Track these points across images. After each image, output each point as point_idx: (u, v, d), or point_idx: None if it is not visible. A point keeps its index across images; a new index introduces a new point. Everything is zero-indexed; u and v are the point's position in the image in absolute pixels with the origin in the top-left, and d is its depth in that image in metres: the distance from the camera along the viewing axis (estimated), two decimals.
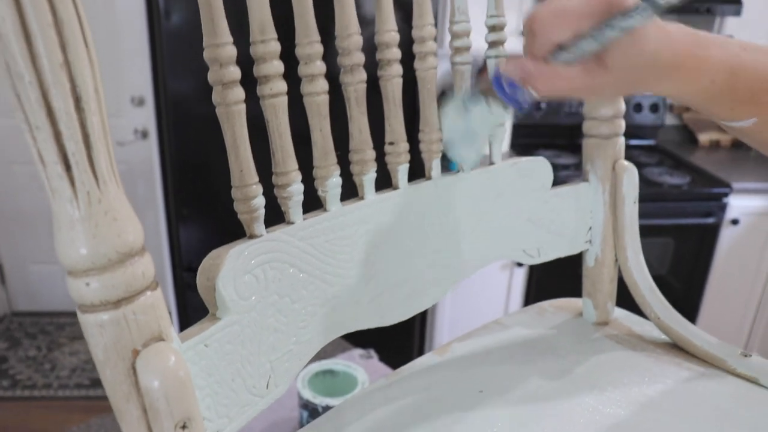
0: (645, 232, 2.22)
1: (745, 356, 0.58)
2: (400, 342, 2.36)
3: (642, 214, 2.25)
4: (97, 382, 2.84)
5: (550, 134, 2.89)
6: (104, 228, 0.29)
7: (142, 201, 3.23)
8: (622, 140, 0.64)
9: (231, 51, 0.39)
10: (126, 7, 2.72)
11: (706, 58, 0.47)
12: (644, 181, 2.57)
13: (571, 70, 0.46)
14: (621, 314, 0.69)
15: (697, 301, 2.79)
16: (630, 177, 0.63)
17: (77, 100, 0.27)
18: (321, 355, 1.45)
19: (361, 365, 1.26)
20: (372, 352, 1.49)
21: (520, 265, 2.45)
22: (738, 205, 2.60)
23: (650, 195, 2.52)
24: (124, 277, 0.30)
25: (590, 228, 0.65)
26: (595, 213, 0.65)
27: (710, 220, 2.62)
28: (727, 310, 2.86)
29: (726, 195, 2.57)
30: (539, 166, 0.61)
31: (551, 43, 0.46)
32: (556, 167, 2.16)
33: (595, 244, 0.65)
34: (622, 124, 0.63)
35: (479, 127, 0.52)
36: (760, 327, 2.90)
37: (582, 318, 0.68)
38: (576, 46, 0.44)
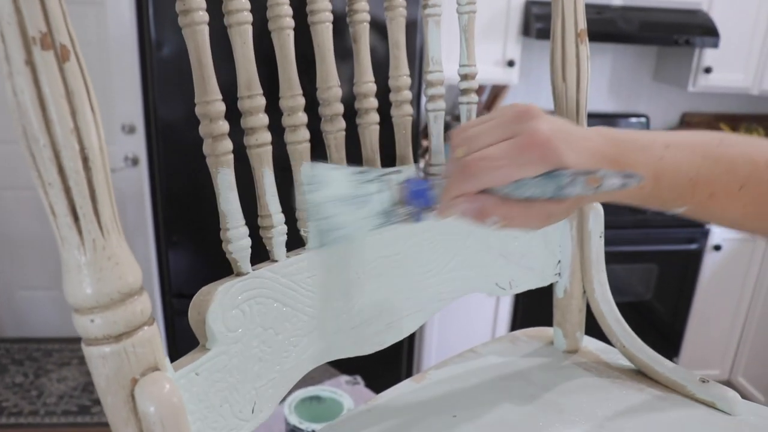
0: (630, 258, 2.26)
1: (704, 382, 0.62)
2: (388, 369, 2.39)
3: (626, 241, 2.29)
4: (84, 409, 2.84)
5: None
6: (107, 271, 0.33)
7: (132, 227, 3.25)
8: None
9: (220, 107, 0.43)
10: (118, 36, 2.76)
11: (631, 166, 0.49)
12: (628, 209, 2.62)
13: (529, 204, 0.47)
14: (589, 342, 0.73)
15: (682, 325, 2.84)
16: (596, 214, 0.67)
17: (85, 160, 0.31)
18: (308, 381, 1.47)
19: (347, 391, 1.29)
20: (358, 379, 1.52)
21: None
22: (720, 231, 2.66)
23: (634, 222, 2.57)
24: (124, 314, 0.34)
25: (559, 262, 0.69)
26: (564, 248, 0.69)
27: (693, 246, 2.67)
28: (712, 334, 2.90)
29: (708, 222, 2.63)
30: None
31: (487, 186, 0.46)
32: None
33: (563, 276, 0.70)
34: None
35: (359, 213, 0.47)
36: (744, 351, 2.94)
37: (553, 346, 0.72)
38: (515, 187, 0.45)
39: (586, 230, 0.67)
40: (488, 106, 2.74)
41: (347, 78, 0.53)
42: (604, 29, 2.53)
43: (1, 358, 3.24)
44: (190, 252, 2.21)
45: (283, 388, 0.48)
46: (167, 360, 0.37)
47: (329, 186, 0.46)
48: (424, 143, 2.36)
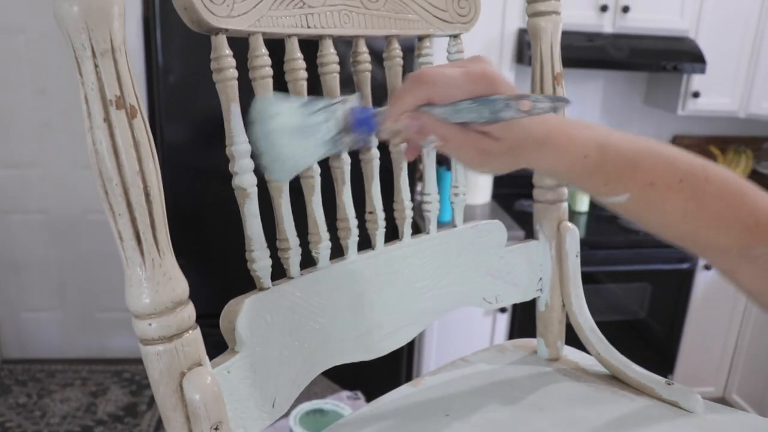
0: (624, 278, 2.32)
1: (669, 384, 0.70)
2: (387, 384, 2.45)
3: (620, 261, 2.35)
4: (87, 429, 2.88)
5: (531, 184, 3.01)
6: (163, 285, 0.41)
7: None
8: (565, 205, 0.76)
9: (246, 148, 0.52)
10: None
11: (576, 135, 0.53)
12: (621, 229, 2.69)
13: (472, 136, 0.50)
14: (569, 351, 0.81)
15: (677, 343, 2.89)
16: (572, 236, 0.75)
17: (147, 196, 0.40)
18: (311, 395, 1.54)
19: (348, 405, 1.36)
20: (359, 394, 1.59)
21: (503, 310, 2.56)
22: None
23: (627, 242, 2.64)
24: (175, 319, 0.42)
25: (540, 278, 0.78)
26: (544, 266, 0.77)
27: (685, 266, 2.73)
28: (706, 352, 2.95)
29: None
30: (495, 228, 0.74)
31: (434, 98, 0.49)
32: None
33: (545, 292, 0.78)
34: (565, 191, 0.76)
35: (307, 139, 0.49)
36: (737, 368, 2.98)
37: (536, 355, 0.80)
38: (453, 109, 0.49)
39: (564, 250, 0.76)
40: None
41: None
42: (596, 56, 2.62)
43: (4, 379, 3.28)
44: (195, 274, 2.28)
45: (298, 388, 0.56)
46: (207, 358, 0.45)
47: (278, 118, 0.48)
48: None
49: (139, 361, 2.87)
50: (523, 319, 2.61)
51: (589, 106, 3.15)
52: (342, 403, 1.29)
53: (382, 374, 2.04)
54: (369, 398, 1.56)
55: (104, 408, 3.05)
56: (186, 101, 2.09)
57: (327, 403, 1.28)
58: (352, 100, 0.52)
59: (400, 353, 2.48)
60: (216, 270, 2.18)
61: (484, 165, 0.53)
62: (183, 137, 2.13)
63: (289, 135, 0.48)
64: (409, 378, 2.60)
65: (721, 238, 0.57)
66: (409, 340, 0.67)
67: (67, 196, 3.21)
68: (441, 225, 0.70)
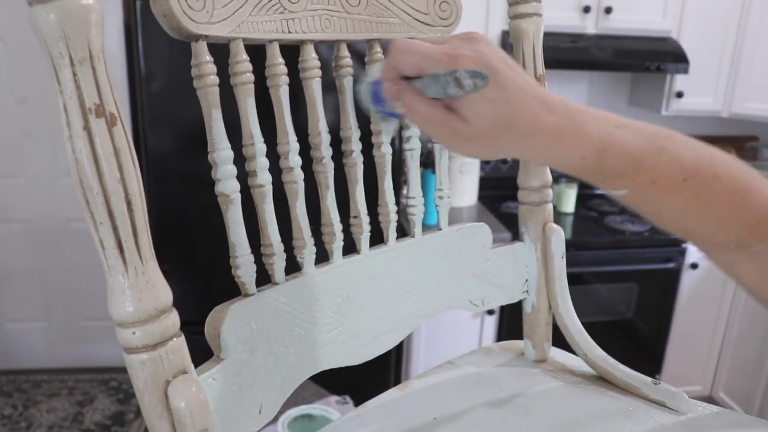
0: (610, 278, 2.34)
1: (655, 384, 0.70)
2: (375, 389, 2.45)
3: (606, 261, 2.37)
4: None
5: (517, 186, 3.02)
6: (146, 293, 0.41)
7: None
8: (550, 206, 0.77)
9: (228, 154, 0.52)
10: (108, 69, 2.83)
11: (574, 133, 0.50)
12: (607, 229, 2.71)
13: (435, 105, 0.49)
14: (556, 352, 0.81)
15: (664, 342, 2.91)
16: (557, 237, 0.75)
17: (129, 203, 0.39)
18: (299, 401, 1.54)
19: (337, 410, 1.36)
20: (347, 399, 1.59)
21: (490, 312, 2.57)
22: (696, 250, 2.74)
23: (613, 242, 2.66)
24: (159, 327, 0.41)
25: (526, 280, 0.78)
26: (530, 268, 0.77)
27: (671, 265, 2.75)
28: (693, 351, 2.98)
29: (685, 241, 2.72)
30: (480, 230, 0.74)
31: (406, 69, 0.50)
32: None
33: (531, 293, 0.78)
34: (550, 192, 0.76)
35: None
36: (724, 367, 3.01)
37: (523, 357, 0.80)
38: (421, 82, 0.49)
39: (549, 252, 0.76)
40: None
41: (334, 123, 0.61)
42: (580, 57, 2.64)
43: None
44: (180, 280, 2.27)
45: (284, 394, 0.56)
46: (192, 366, 0.45)
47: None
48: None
49: (125, 370, 2.87)
50: (511, 321, 2.61)
51: None
52: (330, 408, 1.29)
53: (371, 378, 2.03)
54: (357, 403, 1.56)
55: (91, 417, 3.03)
56: (169, 108, 2.08)
57: (315, 408, 1.28)
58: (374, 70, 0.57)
59: (388, 357, 2.48)
60: (201, 277, 2.17)
61: (458, 147, 0.51)
62: (166, 144, 2.13)
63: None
64: (397, 382, 2.60)
65: (721, 234, 0.56)
66: (396, 344, 0.67)
67: (49, 205, 3.19)
68: (427, 228, 0.70)
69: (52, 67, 0.37)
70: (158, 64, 2.06)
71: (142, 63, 2.05)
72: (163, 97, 2.08)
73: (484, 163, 3.02)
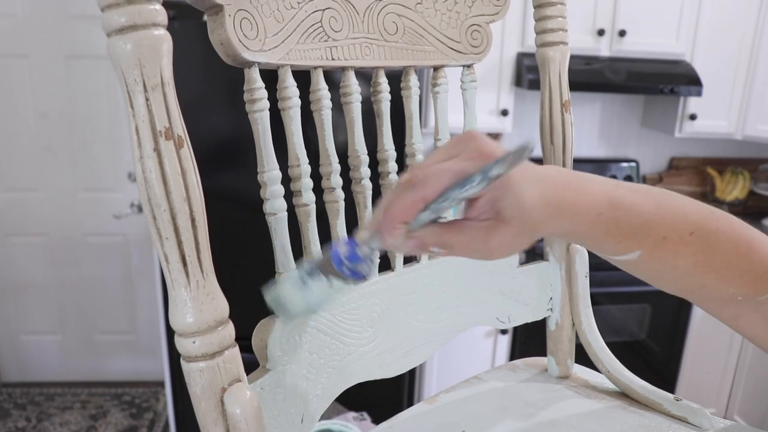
0: (623, 299, 2.34)
1: (678, 400, 0.72)
2: (390, 406, 2.46)
3: (619, 282, 2.37)
4: None
5: None
6: (206, 305, 0.43)
7: (136, 272, 3.34)
8: None
9: (277, 175, 0.54)
10: None
11: (586, 192, 0.50)
12: None
13: (473, 225, 0.48)
14: (579, 369, 0.83)
15: (677, 364, 2.89)
16: (581, 257, 0.78)
17: (193, 221, 0.42)
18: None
19: (356, 425, 1.38)
20: (365, 415, 1.61)
21: (504, 332, 2.58)
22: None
23: None
24: (217, 337, 0.44)
25: (551, 298, 0.80)
26: (554, 286, 0.79)
27: None
28: (707, 373, 2.95)
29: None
30: None
31: (429, 196, 0.46)
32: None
33: (555, 311, 0.80)
34: None
35: (316, 301, 0.52)
36: (738, 389, 2.98)
37: (547, 373, 0.82)
38: (442, 200, 0.45)
39: (573, 271, 0.78)
40: None
41: (372, 145, 0.64)
42: (594, 79, 2.67)
43: (3, 403, 3.27)
44: None
45: (324, 403, 0.59)
46: (245, 375, 0.47)
47: (285, 297, 0.52)
48: None
49: (138, 384, 2.89)
50: (524, 341, 2.62)
51: (587, 129, 3.19)
52: (350, 424, 1.30)
53: (386, 396, 2.05)
54: (374, 419, 1.58)
55: (104, 431, 3.05)
56: (186, 122, 2.12)
57: (336, 424, 1.29)
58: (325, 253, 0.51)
59: (402, 375, 2.50)
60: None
61: (503, 254, 0.50)
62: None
63: (293, 302, 0.52)
64: (410, 400, 2.61)
65: (730, 287, 0.56)
66: (426, 358, 0.70)
67: (67, 219, 3.23)
68: None
69: (125, 93, 0.40)
70: (174, 82, 2.08)
71: None
72: (184, 115, 2.11)
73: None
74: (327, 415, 1.59)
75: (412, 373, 2.61)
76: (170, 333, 2.42)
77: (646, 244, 0.54)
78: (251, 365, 0.53)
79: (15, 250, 3.28)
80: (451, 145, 0.48)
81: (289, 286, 0.52)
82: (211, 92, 1.92)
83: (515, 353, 2.66)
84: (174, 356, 2.36)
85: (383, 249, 0.49)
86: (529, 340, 2.61)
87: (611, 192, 0.52)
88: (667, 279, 0.58)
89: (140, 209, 3.00)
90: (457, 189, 0.44)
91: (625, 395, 0.77)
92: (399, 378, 2.51)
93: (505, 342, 2.63)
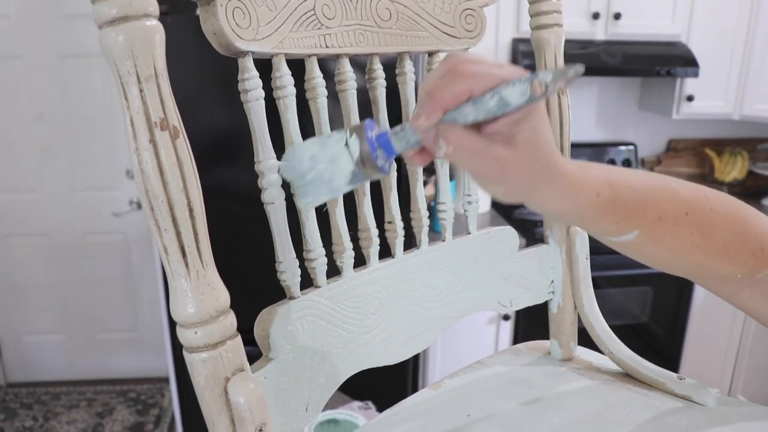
0: (624, 282, 2.34)
1: (681, 379, 0.72)
2: (394, 395, 2.47)
3: (620, 265, 2.37)
4: None
5: None
6: (207, 295, 0.43)
7: (138, 270, 3.34)
8: None
9: (274, 163, 0.54)
10: None
11: (589, 172, 0.51)
12: None
13: (482, 142, 0.46)
14: (582, 351, 0.83)
15: (680, 346, 2.90)
16: (581, 239, 0.78)
17: (191, 211, 0.42)
18: (324, 406, 1.56)
19: (361, 414, 1.38)
20: (370, 404, 1.61)
21: (506, 318, 2.58)
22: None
23: None
24: (219, 327, 0.44)
25: (552, 281, 0.80)
26: (555, 269, 0.79)
27: None
28: (710, 353, 2.96)
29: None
30: (507, 234, 0.76)
31: (475, 92, 0.45)
32: (535, 224, 2.29)
33: (557, 294, 0.80)
34: None
35: (330, 175, 0.49)
36: (741, 369, 2.99)
37: (550, 356, 0.83)
38: (467, 109, 0.45)
39: (574, 253, 0.78)
40: None
41: None
42: (589, 63, 2.65)
43: (9, 403, 3.29)
44: None
45: (328, 392, 0.59)
46: (248, 364, 0.47)
47: (303, 151, 0.50)
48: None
49: (143, 381, 2.89)
50: (527, 326, 2.62)
51: (584, 113, 3.19)
52: (355, 413, 1.31)
53: (389, 384, 2.05)
54: (378, 409, 1.58)
55: (111, 428, 3.06)
56: (184, 119, 2.11)
57: (340, 413, 1.30)
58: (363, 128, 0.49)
59: (406, 363, 2.50)
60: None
61: (500, 181, 0.47)
62: None
63: (313, 165, 0.49)
64: (415, 388, 2.61)
65: (728, 266, 0.57)
66: (429, 344, 0.70)
67: (67, 219, 3.23)
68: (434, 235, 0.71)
69: (119, 85, 0.40)
70: (171, 78, 2.08)
71: None
72: (178, 109, 2.11)
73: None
74: (331, 405, 1.59)
75: (415, 362, 2.62)
76: (173, 329, 2.42)
77: (643, 224, 0.54)
78: (253, 359, 0.53)
79: (15, 251, 3.28)
80: (495, 63, 0.47)
81: (314, 144, 0.50)
82: (204, 88, 1.92)
83: (518, 340, 2.67)
84: (177, 352, 2.37)
85: (409, 143, 0.48)
86: (531, 326, 2.61)
87: (609, 175, 0.52)
88: (666, 260, 0.58)
89: (139, 206, 3.00)
90: (506, 88, 0.43)
91: (628, 376, 0.77)
92: (403, 367, 2.51)
93: (507, 329, 2.63)
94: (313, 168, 0.49)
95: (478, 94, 0.45)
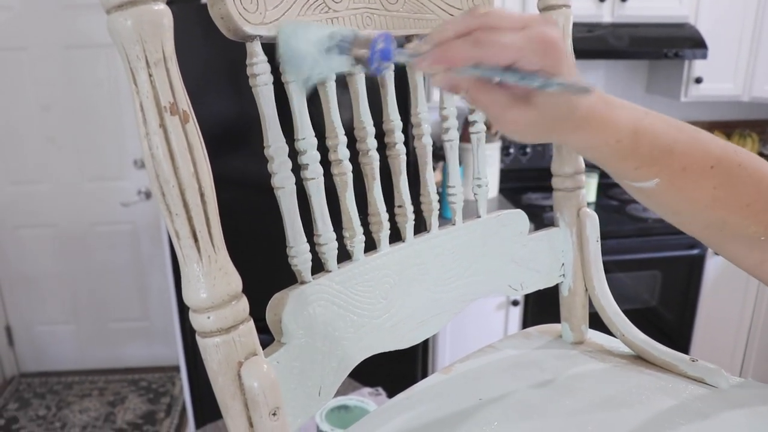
0: (633, 266, 2.34)
1: (693, 361, 0.72)
2: (404, 381, 2.48)
3: (629, 250, 2.36)
4: None
5: (538, 177, 3.03)
6: (219, 279, 0.43)
7: (147, 259, 3.36)
8: (583, 192, 0.78)
9: (284, 148, 0.54)
10: None
11: (614, 116, 0.50)
12: (629, 217, 2.71)
13: (502, 92, 0.47)
14: (593, 334, 0.83)
15: (689, 330, 2.89)
16: (592, 221, 0.77)
17: (202, 195, 0.42)
18: (335, 392, 1.57)
19: (371, 401, 1.39)
20: (380, 390, 1.62)
21: (515, 303, 2.58)
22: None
23: (635, 230, 2.65)
24: (232, 312, 0.44)
25: (563, 264, 0.80)
26: (566, 252, 0.79)
27: (695, 252, 2.74)
28: (720, 338, 2.95)
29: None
30: (517, 217, 0.76)
31: (483, 61, 0.45)
32: (543, 208, 2.29)
33: (567, 277, 0.80)
34: (583, 178, 0.78)
35: (320, 59, 0.50)
36: (752, 353, 2.99)
37: (561, 339, 0.82)
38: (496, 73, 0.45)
39: (584, 236, 0.78)
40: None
41: (378, 116, 0.63)
42: (596, 47, 2.64)
43: (23, 393, 3.32)
44: None
45: (340, 376, 0.59)
46: (261, 348, 0.47)
47: (302, 30, 0.50)
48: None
49: (154, 369, 2.90)
50: (536, 312, 2.62)
51: None
52: (366, 399, 1.31)
53: (400, 371, 2.06)
54: (389, 395, 1.59)
55: (123, 417, 3.09)
56: (192, 108, 2.11)
57: (351, 399, 1.30)
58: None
59: (415, 350, 2.51)
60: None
61: (514, 132, 0.49)
62: None
63: (308, 39, 0.49)
64: (425, 373, 2.62)
65: (752, 225, 0.56)
66: (440, 328, 0.70)
67: (75, 209, 3.25)
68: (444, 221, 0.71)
69: (128, 70, 0.40)
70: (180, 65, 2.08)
71: None
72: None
73: (504, 155, 3.03)
74: (342, 391, 1.60)
75: (425, 348, 2.62)
76: (183, 318, 2.43)
77: (666, 173, 0.54)
78: (265, 347, 0.53)
79: (25, 243, 3.31)
80: (525, 16, 0.46)
81: (308, 27, 0.50)
82: (210, 77, 1.92)
83: (527, 325, 2.65)
84: (188, 341, 2.38)
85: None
86: (540, 311, 2.61)
87: (638, 121, 0.52)
88: (685, 213, 0.58)
89: (147, 196, 3.01)
90: (511, 75, 0.44)
91: (640, 358, 0.76)
92: (413, 353, 2.52)
93: (516, 314, 2.63)
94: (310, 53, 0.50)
95: (487, 64, 0.45)
